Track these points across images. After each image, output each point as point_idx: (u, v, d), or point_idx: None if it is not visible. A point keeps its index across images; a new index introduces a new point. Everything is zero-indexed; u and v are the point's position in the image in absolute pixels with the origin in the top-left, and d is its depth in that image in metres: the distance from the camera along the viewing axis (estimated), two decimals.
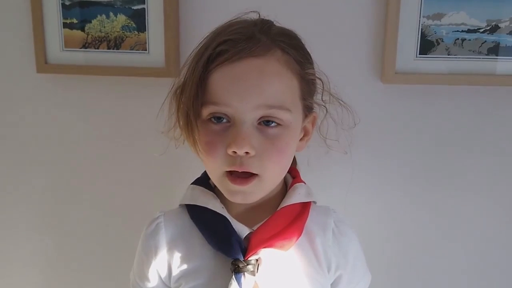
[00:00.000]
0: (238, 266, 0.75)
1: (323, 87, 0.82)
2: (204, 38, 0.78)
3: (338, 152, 0.96)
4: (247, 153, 0.72)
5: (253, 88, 0.72)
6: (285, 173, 0.81)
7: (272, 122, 0.73)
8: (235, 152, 0.71)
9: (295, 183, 0.84)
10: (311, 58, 0.81)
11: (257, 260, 0.77)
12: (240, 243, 0.77)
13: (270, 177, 0.76)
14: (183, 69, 0.80)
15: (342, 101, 0.86)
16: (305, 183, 0.86)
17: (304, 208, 0.82)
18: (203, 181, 0.85)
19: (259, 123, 0.73)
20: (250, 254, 0.76)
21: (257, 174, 0.74)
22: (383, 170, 1.16)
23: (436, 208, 1.17)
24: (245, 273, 0.76)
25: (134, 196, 1.22)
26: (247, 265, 0.76)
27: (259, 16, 0.80)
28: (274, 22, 0.80)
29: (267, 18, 0.80)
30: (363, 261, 0.89)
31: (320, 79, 0.81)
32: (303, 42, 0.81)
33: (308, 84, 0.78)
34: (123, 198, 1.22)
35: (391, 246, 1.20)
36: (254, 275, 0.76)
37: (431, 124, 1.13)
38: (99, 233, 1.25)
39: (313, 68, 0.80)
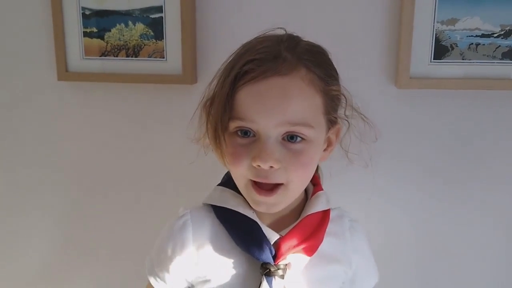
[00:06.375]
0: (270, 270, 0.79)
1: (346, 102, 0.85)
2: (234, 53, 0.80)
3: (360, 167, 1.00)
4: (271, 167, 0.75)
5: (277, 107, 0.74)
6: (308, 183, 0.85)
7: (297, 137, 0.76)
8: (259, 166, 0.75)
9: (317, 190, 0.88)
10: (336, 73, 0.83)
11: (286, 264, 0.80)
12: (270, 247, 0.80)
13: (295, 187, 0.79)
14: (213, 81, 0.82)
15: (365, 116, 0.88)
16: (323, 190, 0.89)
17: (325, 214, 0.86)
18: (232, 184, 0.86)
19: (283, 138, 0.76)
20: (281, 259, 0.80)
21: (282, 183, 0.77)
22: (397, 174, 1.16)
23: (453, 213, 1.18)
24: (275, 276, 0.79)
25: (150, 199, 1.24)
26: (278, 269, 0.79)
27: (286, 32, 0.82)
28: (302, 37, 0.81)
29: (295, 34, 0.82)
30: (373, 259, 0.95)
31: (343, 94, 0.84)
32: (329, 56, 0.83)
33: (332, 99, 0.81)
34: (140, 200, 1.24)
35: (413, 253, 1.21)
36: (283, 278, 0.80)
37: (445, 128, 1.14)
38: (119, 239, 1.28)
39: (338, 84, 0.82)
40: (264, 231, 0.81)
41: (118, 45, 1.15)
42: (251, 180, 0.78)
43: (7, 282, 1.35)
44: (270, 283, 0.79)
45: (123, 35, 1.14)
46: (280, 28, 0.83)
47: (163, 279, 0.86)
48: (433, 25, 1.07)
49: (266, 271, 0.79)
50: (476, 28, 1.06)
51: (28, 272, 1.33)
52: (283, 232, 0.82)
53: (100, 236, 1.28)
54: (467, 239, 1.19)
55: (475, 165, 1.15)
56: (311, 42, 0.82)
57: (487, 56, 1.08)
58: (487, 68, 1.08)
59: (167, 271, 0.85)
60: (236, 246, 0.82)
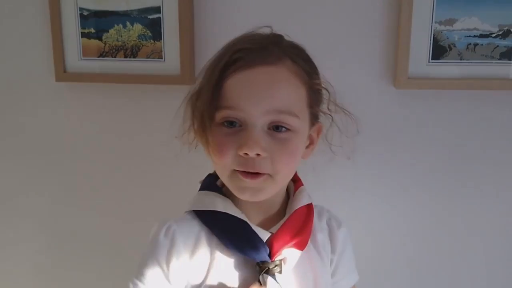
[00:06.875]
0: (268, 268, 0.79)
1: (329, 97, 0.86)
2: (219, 50, 0.82)
3: (343, 159, 1.01)
4: (258, 155, 0.75)
5: (265, 94, 0.76)
6: (293, 174, 0.86)
7: (282, 128, 0.77)
8: (246, 154, 0.75)
9: (300, 186, 0.89)
10: (317, 69, 0.85)
11: (281, 260, 0.81)
12: (264, 246, 0.80)
13: (281, 178, 0.80)
14: (198, 78, 0.83)
15: (347, 111, 0.89)
16: (303, 185, 0.91)
17: (309, 209, 0.87)
18: (215, 187, 0.86)
19: (269, 128, 0.77)
20: (276, 255, 0.80)
21: (268, 174, 0.77)
22: (395, 174, 1.16)
23: (451, 213, 1.18)
24: (275, 273, 0.80)
25: (148, 201, 1.24)
26: (275, 265, 0.80)
27: (272, 30, 0.84)
28: (285, 37, 0.84)
29: (278, 33, 0.84)
30: (353, 257, 0.95)
31: (326, 89, 0.85)
32: (310, 55, 0.85)
33: (315, 93, 0.83)
34: (138, 201, 1.24)
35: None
36: (280, 273, 0.80)
37: (443, 128, 1.14)
38: (114, 239, 1.27)
39: (319, 79, 0.84)
40: (255, 231, 0.81)
41: (116, 46, 1.15)
42: (236, 170, 0.77)
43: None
44: (271, 280, 0.79)
45: (121, 36, 1.14)
46: (266, 26, 0.84)
47: None
48: (431, 26, 1.07)
49: (265, 269, 0.79)
50: (474, 28, 1.07)
51: (18, 273, 1.33)
52: (273, 230, 0.82)
53: (99, 237, 1.28)
54: (463, 239, 1.19)
55: (473, 164, 1.15)
56: (293, 41, 0.84)
57: (485, 56, 1.08)
58: (485, 68, 1.08)
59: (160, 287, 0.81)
60: (227, 249, 0.81)
